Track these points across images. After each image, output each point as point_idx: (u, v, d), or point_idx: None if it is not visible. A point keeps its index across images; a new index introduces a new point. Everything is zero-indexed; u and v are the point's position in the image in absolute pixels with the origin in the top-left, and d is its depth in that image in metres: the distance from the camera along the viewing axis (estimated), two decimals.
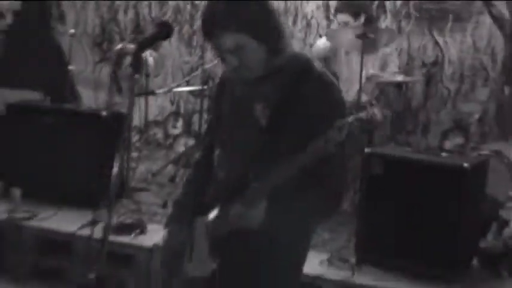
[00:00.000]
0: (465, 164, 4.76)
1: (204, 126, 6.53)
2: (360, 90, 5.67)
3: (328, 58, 6.49)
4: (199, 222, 2.77)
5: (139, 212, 5.73)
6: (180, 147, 7.74)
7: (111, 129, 6.00)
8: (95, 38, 8.86)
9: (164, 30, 2.66)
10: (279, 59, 2.70)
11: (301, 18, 7.94)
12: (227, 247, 2.68)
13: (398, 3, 7.56)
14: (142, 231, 5.34)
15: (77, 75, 8.06)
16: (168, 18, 8.27)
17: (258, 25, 2.59)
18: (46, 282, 5.41)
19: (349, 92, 5.94)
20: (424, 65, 7.50)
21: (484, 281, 4.91)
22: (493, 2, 7.22)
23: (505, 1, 7.21)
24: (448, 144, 6.67)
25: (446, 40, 7.49)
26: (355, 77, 5.85)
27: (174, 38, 8.05)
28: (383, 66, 6.42)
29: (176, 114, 8.47)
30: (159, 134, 8.26)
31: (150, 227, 5.39)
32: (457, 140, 6.76)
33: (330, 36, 6.26)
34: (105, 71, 8.67)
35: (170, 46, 8.33)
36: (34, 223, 5.61)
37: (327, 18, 7.81)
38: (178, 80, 8.15)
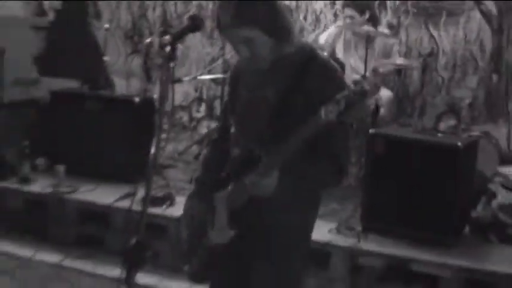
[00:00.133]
0: (458, 143, 4.77)
1: None
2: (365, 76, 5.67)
3: (333, 47, 6.51)
4: (218, 195, 2.77)
5: (168, 187, 5.73)
6: (203, 129, 7.71)
7: (142, 113, 6.03)
8: (126, 32, 8.84)
9: (196, 23, 2.65)
10: (286, 49, 2.70)
11: (311, 13, 7.91)
12: (243, 216, 2.69)
13: (398, 2, 7.54)
14: (172, 203, 5.36)
15: (110, 66, 8.05)
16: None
17: (266, 21, 2.60)
18: (86, 249, 5.43)
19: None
20: (420, 55, 7.48)
21: (475, 246, 4.91)
22: (483, 1, 7.21)
23: (493, 1, 7.20)
24: (442, 126, 6.63)
25: (441, 33, 7.47)
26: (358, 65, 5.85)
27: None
28: (386, 56, 6.43)
29: (199, 99, 8.45)
30: (184, 117, 8.25)
31: (178, 199, 5.39)
32: (450, 122, 6.71)
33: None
34: (136, 61, 8.67)
35: (194, 39, 8.31)
36: (76, 196, 5.64)
37: (334, 14, 7.79)
38: (200, 69, 8.14)
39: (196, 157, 6.78)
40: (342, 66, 6.08)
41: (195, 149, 6.98)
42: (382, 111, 6.24)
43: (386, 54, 6.43)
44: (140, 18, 8.78)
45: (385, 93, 6.36)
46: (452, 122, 6.70)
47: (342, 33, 6.50)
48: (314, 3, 7.88)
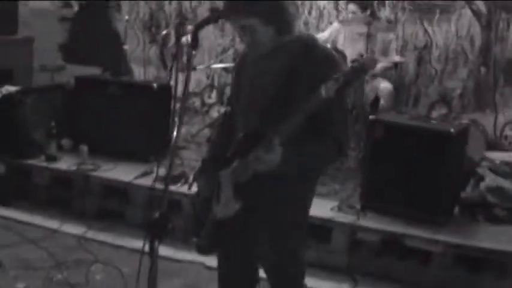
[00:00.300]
0: (451, 130, 4.76)
1: None
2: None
3: (334, 39, 6.50)
4: (223, 172, 2.76)
5: (183, 166, 5.73)
6: (214, 114, 7.69)
7: (159, 98, 6.02)
8: (145, 23, 8.81)
9: (215, 15, 2.65)
10: (287, 38, 2.69)
11: (315, 9, 7.88)
12: (247, 190, 2.68)
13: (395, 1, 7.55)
14: (186, 181, 5.35)
15: (130, 54, 8.04)
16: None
17: (267, 12, 2.59)
18: (108, 222, 5.44)
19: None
20: (415, 48, 7.47)
21: (464, 224, 4.91)
22: (474, 0, 7.21)
23: (483, 0, 7.20)
24: (434, 114, 6.63)
25: (434, 29, 7.46)
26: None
27: None
28: (384, 51, 6.41)
29: (211, 86, 8.41)
30: (196, 102, 8.21)
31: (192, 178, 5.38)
32: (442, 110, 6.73)
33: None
34: (153, 51, 8.65)
35: (207, 30, 8.27)
36: (98, 173, 5.65)
37: (336, 9, 7.77)
38: (212, 58, 8.12)
39: (208, 139, 6.77)
40: (344, 56, 6.06)
41: (206, 131, 6.97)
42: (382, 101, 6.23)
43: (385, 50, 6.39)
44: (158, 10, 8.76)
45: (385, 85, 6.33)
46: (443, 110, 6.70)
47: (344, 29, 6.46)
48: None
